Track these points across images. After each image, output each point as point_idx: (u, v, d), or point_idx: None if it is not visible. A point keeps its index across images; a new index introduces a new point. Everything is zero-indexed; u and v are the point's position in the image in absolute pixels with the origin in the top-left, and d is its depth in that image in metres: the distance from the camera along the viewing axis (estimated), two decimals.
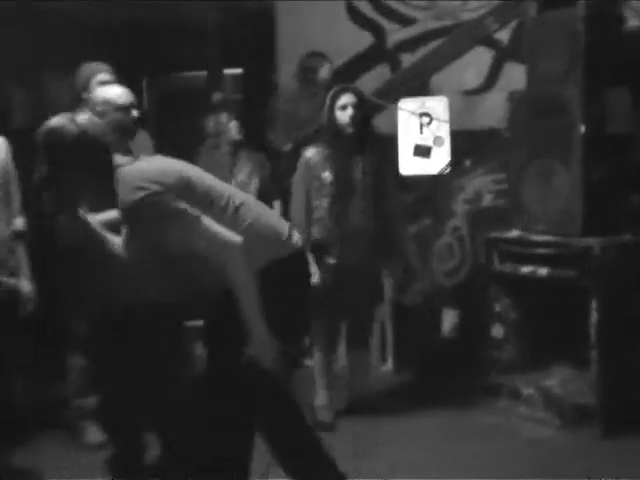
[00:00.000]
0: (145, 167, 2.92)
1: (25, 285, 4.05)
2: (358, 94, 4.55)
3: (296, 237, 3.11)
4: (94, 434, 4.33)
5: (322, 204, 4.51)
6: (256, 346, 2.86)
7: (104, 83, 4.13)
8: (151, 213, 2.79)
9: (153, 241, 2.91)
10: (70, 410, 4.39)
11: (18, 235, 4.05)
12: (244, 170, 5.07)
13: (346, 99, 4.51)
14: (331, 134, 4.55)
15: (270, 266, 2.96)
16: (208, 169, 4.00)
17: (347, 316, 4.70)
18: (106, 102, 3.68)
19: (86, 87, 4.19)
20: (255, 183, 5.05)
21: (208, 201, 2.90)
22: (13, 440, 4.17)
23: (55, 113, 2.93)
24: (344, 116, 4.49)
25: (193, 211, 2.80)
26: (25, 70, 4.92)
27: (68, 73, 4.42)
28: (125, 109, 3.70)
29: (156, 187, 2.78)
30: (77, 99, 4.36)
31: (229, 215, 2.92)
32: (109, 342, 3.64)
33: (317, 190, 4.52)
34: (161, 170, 2.90)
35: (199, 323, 5.09)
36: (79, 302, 3.83)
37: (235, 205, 2.96)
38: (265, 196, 4.98)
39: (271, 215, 3.20)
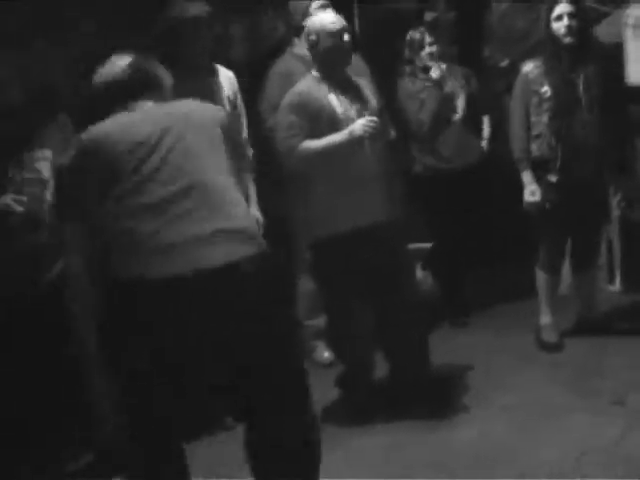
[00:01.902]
0: None
1: None
2: (574, 2, 4.34)
3: None
4: (325, 353, 4.51)
5: (542, 120, 4.35)
6: None
7: (323, 7, 4.19)
8: None
9: None
10: (302, 330, 4.55)
11: None
12: (450, 85, 4.98)
13: (561, 9, 4.31)
14: (549, 47, 4.37)
15: None
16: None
17: (572, 235, 4.57)
18: (320, 29, 3.72)
19: (305, 13, 4.24)
20: (462, 99, 4.96)
21: None
22: None
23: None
24: (560, 27, 4.30)
25: None
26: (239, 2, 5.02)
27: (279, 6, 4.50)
28: (338, 35, 3.72)
29: None
30: (291, 29, 4.44)
31: None
32: (335, 264, 3.75)
33: (536, 106, 4.36)
34: None
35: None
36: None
37: None
38: (473, 112, 4.90)
39: None
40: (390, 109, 4.45)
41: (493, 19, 6.06)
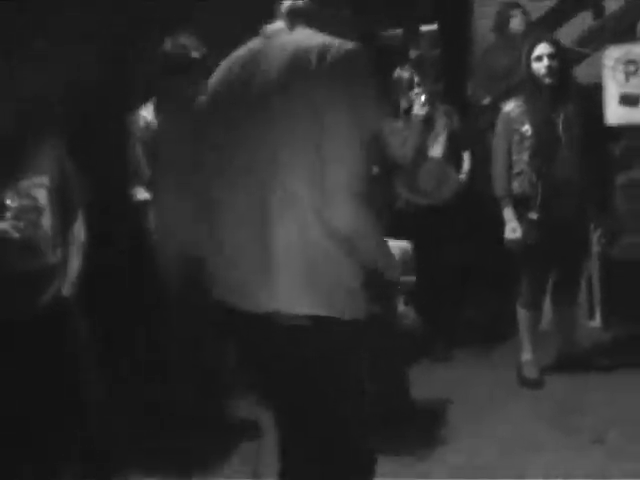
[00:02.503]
0: None
1: None
2: (554, 44, 4.42)
3: None
4: None
5: (523, 158, 4.42)
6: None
7: None
8: None
9: None
10: None
11: None
12: (434, 122, 5.04)
13: (541, 49, 4.40)
14: (529, 86, 4.45)
15: None
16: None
17: (552, 271, 4.62)
18: None
19: None
20: (444, 135, 5.03)
21: None
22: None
23: None
24: (541, 67, 4.38)
25: None
26: None
27: None
28: None
29: None
30: None
31: None
32: None
33: (518, 144, 4.44)
34: None
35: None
36: None
37: None
38: (454, 148, 4.97)
39: None
40: (374, 145, 4.49)
41: (476, 57, 6.15)
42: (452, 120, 5.08)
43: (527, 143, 4.41)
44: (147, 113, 4.00)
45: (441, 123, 4.99)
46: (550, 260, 4.51)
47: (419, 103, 4.83)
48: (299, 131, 2.09)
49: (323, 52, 2.11)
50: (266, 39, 2.26)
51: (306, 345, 2.15)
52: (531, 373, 4.56)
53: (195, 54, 3.80)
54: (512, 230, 4.46)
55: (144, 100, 4.05)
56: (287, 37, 2.23)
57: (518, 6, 5.54)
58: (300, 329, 2.13)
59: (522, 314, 4.61)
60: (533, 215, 4.42)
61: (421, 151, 4.86)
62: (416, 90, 4.85)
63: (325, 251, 2.11)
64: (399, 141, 4.84)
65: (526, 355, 4.61)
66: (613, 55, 5.02)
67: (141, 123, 3.97)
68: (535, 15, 5.68)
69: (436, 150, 4.95)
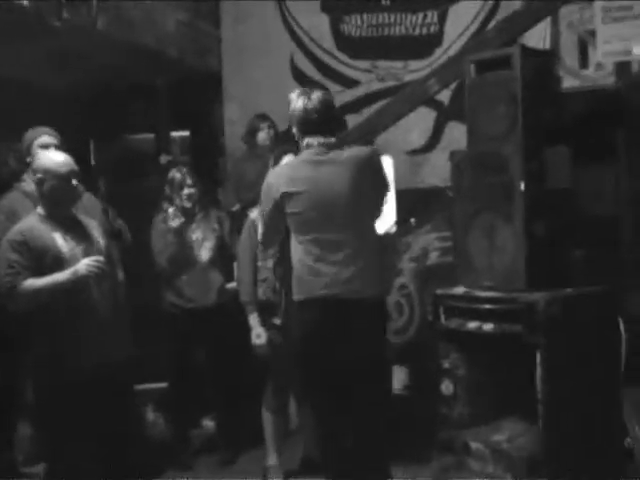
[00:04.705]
0: None
1: None
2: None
3: None
4: None
5: (267, 265, 4.53)
6: None
7: (45, 146, 4.13)
8: None
9: None
10: (19, 478, 4.31)
11: None
12: (200, 228, 5.07)
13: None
14: None
15: None
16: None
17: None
18: (45, 170, 3.62)
19: (29, 151, 4.18)
20: (211, 241, 5.05)
21: None
22: None
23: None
24: None
25: None
26: None
27: (14, 139, 4.43)
28: (65, 177, 3.62)
29: None
30: (22, 164, 4.36)
31: None
32: (59, 408, 3.60)
33: (262, 251, 4.55)
34: None
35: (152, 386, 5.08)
36: (31, 366, 3.78)
37: None
38: (223, 254, 5.01)
39: None
40: (145, 244, 4.73)
41: (228, 165, 6.28)
42: (223, 226, 5.13)
43: (271, 251, 4.53)
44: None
45: (210, 229, 5.02)
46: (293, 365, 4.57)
47: (177, 214, 4.86)
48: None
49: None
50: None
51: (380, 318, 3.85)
52: (277, 477, 4.56)
53: None
54: (257, 336, 4.53)
55: None
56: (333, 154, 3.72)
57: (265, 119, 5.71)
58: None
59: (267, 418, 4.63)
60: (277, 320, 4.50)
61: (178, 260, 4.87)
62: (186, 191, 4.88)
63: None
64: (161, 245, 4.84)
65: (271, 460, 4.62)
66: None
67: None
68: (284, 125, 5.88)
69: (202, 255, 4.95)
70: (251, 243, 4.54)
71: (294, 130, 3.80)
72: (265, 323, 4.53)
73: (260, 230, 3.94)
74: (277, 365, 4.52)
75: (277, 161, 4.38)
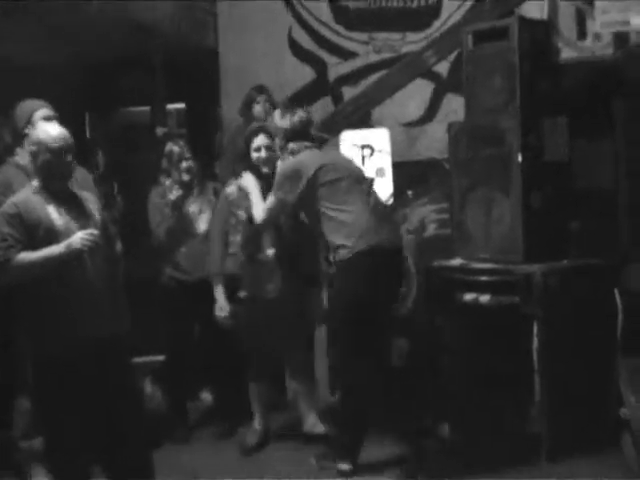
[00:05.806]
0: None
1: None
2: (272, 136, 4.56)
3: None
4: (42, 476, 4.27)
5: (237, 240, 4.57)
6: None
7: (47, 118, 4.09)
8: None
9: None
10: (18, 452, 4.32)
11: None
12: (197, 201, 5.05)
13: (259, 141, 4.56)
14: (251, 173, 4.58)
15: None
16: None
17: (271, 346, 4.68)
18: (41, 142, 3.52)
19: (29, 122, 4.14)
20: (207, 214, 5.03)
21: None
22: None
23: None
24: (258, 157, 4.54)
25: None
26: None
27: (7, 113, 4.39)
28: (59, 151, 3.52)
29: None
30: (17, 137, 4.32)
31: None
32: (56, 382, 3.60)
33: (233, 226, 4.56)
34: None
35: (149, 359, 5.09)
36: (27, 340, 3.77)
37: None
38: None
39: None
40: (142, 217, 4.71)
41: (225, 139, 6.24)
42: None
43: (242, 227, 4.55)
44: None
45: (206, 202, 5.00)
46: (265, 336, 4.58)
47: (175, 186, 4.85)
48: None
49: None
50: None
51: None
52: (251, 440, 4.66)
53: None
54: (219, 309, 4.61)
55: None
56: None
57: (262, 92, 5.65)
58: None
59: (252, 387, 4.69)
60: (242, 294, 4.57)
61: (175, 232, 4.86)
62: (185, 164, 4.87)
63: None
64: (158, 218, 4.83)
65: (255, 424, 4.71)
66: (349, 139, 5.27)
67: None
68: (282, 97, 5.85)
69: (200, 227, 4.95)
70: (223, 216, 4.59)
71: (277, 141, 4.40)
72: (232, 296, 4.59)
73: (268, 206, 4.32)
74: (245, 337, 4.61)
75: (248, 141, 4.58)
